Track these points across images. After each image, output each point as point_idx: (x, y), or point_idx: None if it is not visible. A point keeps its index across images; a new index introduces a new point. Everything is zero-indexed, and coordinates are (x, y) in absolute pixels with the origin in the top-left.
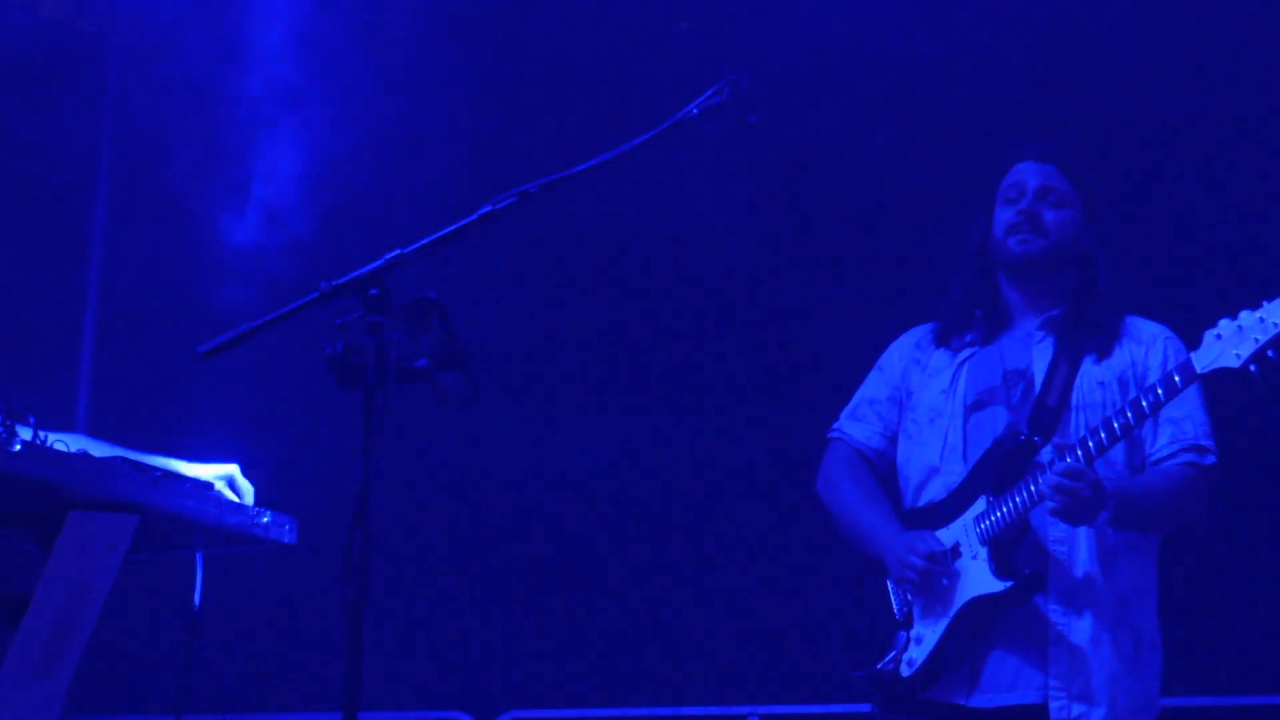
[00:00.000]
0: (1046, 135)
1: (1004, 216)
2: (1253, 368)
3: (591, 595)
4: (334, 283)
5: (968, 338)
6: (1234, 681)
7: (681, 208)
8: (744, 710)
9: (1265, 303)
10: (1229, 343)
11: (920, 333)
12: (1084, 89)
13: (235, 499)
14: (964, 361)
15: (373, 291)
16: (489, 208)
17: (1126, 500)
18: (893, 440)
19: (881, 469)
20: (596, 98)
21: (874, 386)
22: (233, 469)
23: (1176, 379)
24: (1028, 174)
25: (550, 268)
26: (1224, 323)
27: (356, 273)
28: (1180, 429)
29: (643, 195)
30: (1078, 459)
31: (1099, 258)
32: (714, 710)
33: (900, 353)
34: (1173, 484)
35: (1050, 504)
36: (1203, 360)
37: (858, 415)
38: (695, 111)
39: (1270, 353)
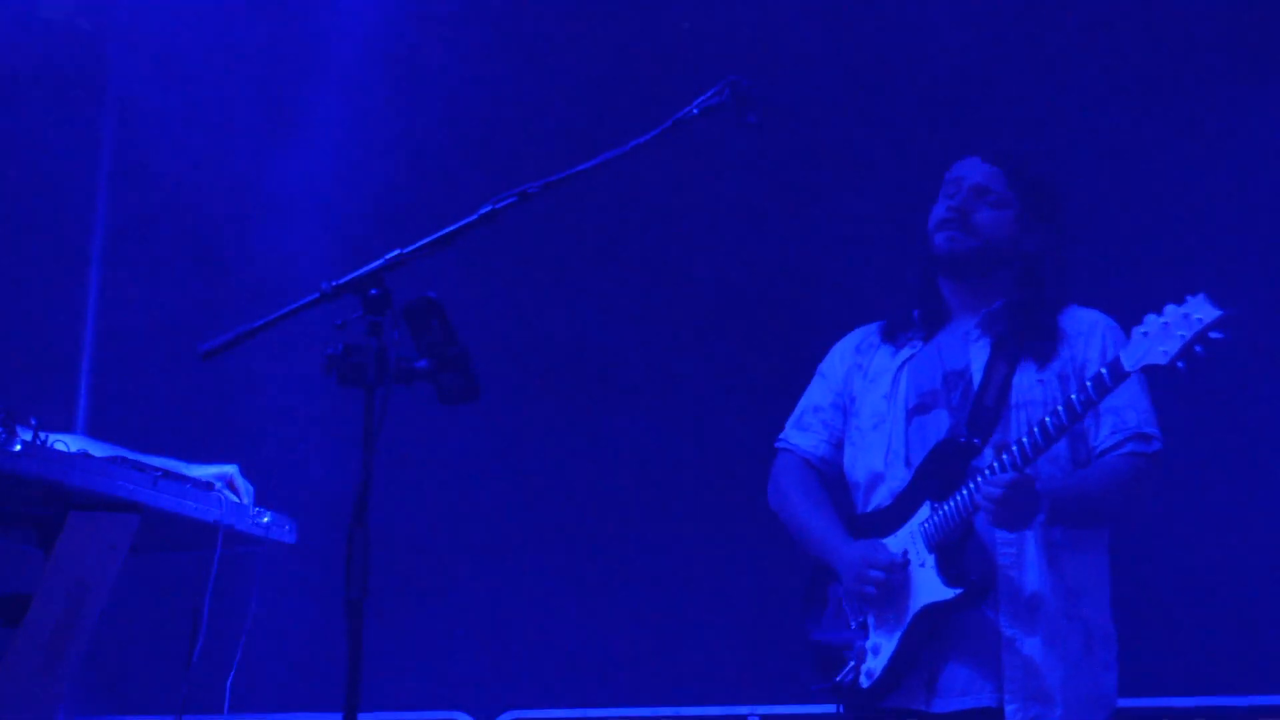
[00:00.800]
0: (1042, 131)
1: (937, 211)
2: (1180, 364)
3: (591, 595)
4: (334, 283)
5: (909, 335)
6: (1198, 682)
7: (680, 207)
8: (744, 710)
9: (1189, 297)
10: (1155, 339)
11: (861, 335)
12: (1069, 88)
13: (235, 499)
14: (904, 363)
15: (373, 292)
16: (489, 208)
17: (1061, 499)
18: (839, 447)
19: (830, 476)
20: (597, 98)
21: (817, 394)
22: (231, 469)
23: (1106, 377)
24: (969, 170)
25: (550, 268)
26: (1150, 318)
27: (356, 273)
28: (1122, 418)
29: (641, 195)
30: (1014, 458)
31: (1042, 260)
32: (714, 710)
33: (841, 358)
34: (1116, 476)
35: (988, 514)
36: (1131, 358)
37: (803, 424)
38: (695, 111)
39: (1198, 348)
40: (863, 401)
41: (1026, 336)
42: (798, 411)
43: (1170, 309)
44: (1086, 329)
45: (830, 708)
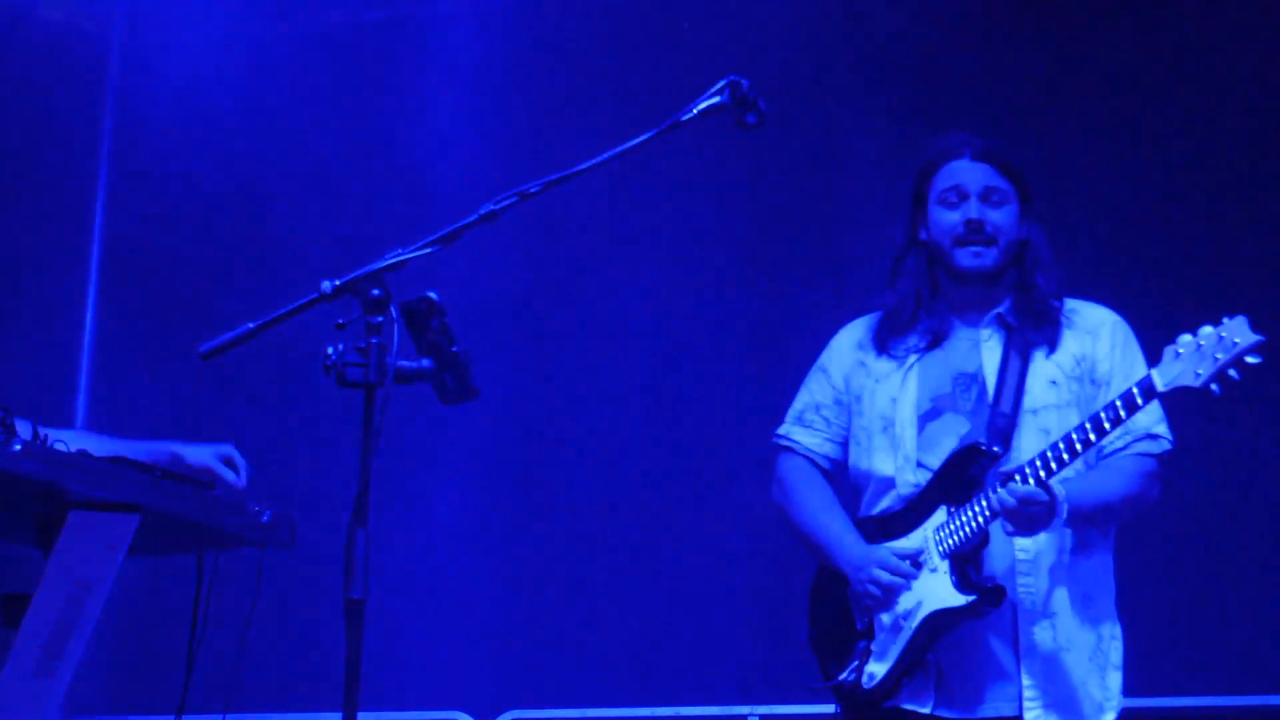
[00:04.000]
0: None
1: (947, 222)
2: (1214, 387)
3: (591, 595)
4: (334, 283)
5: (910, 341)
6: (1197, 682)
7: (684, 206)
8: (744, 710)
9: (1225, 319)
10: (1189, 360)
11: (859, 332)
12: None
13: (234, 476)
14: (911, 367)
15: (373, 292)
16: (489, 207)
17: (1079, 502)
18: (843, 445)
19: (835, 474)
20: (597, 98)
21: (819, 390)
22: (229, 447)
23: (1138, 395)
24: (966, 175)
25: (553, 266)
26: (1184, 339)
27: (357, 273)
28: (1133, 419)
29: (641, 191)
30: (1035, 472)
31: (1036, 249)
32: (714, 710)
33: (841, 353)
34: (1127, 477)
35: (1005, 523)
36: (1164, 377)
37: (805, 421)
38: (695, 112)
39: (1232, 372)
40: (869, 402)
41: (1032, 328)
42: (799, 407)
43: (1207, 330)
44: (1094, 326)
45: (830, 708)
